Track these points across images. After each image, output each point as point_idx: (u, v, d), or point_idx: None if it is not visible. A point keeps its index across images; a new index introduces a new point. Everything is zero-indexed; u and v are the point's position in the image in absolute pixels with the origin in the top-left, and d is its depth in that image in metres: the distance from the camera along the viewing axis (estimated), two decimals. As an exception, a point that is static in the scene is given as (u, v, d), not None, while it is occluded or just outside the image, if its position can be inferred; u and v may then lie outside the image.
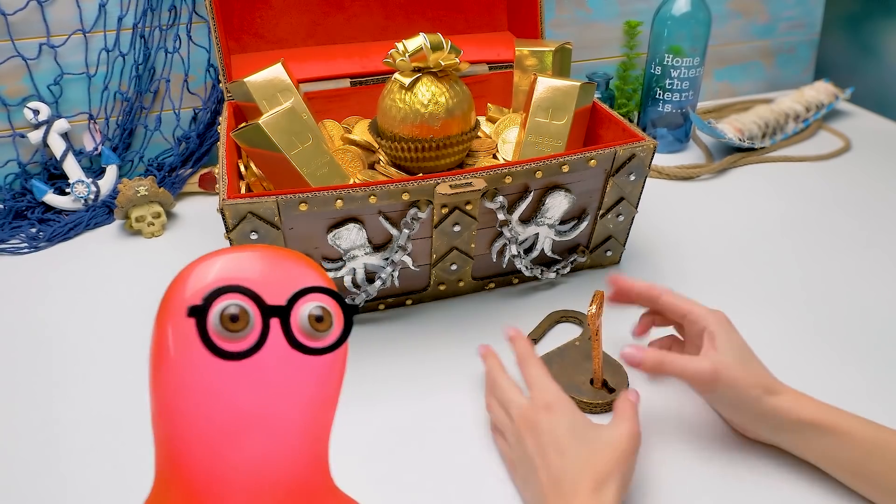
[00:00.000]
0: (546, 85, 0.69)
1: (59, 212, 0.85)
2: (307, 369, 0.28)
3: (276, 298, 0.27)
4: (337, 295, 0.29)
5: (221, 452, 0.28)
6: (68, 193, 0.85)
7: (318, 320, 0.28)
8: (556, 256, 0.69)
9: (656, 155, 0.98)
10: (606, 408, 0.55)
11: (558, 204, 0.64)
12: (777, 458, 0.50)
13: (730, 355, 0.49)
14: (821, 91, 1.07)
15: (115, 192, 0.85)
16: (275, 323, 0.27)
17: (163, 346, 0.28)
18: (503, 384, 0.50)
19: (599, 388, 0.56)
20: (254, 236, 0.56)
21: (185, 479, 0.28)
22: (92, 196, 0.85)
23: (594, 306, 0.53)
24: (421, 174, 0.68)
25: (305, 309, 0.28)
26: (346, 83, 0.84)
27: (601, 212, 0.67)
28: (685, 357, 0.49)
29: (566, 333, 0.64)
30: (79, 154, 0.87)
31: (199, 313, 0.26)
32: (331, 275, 0.61)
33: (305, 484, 0.31)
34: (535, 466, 0.45)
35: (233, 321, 0.26)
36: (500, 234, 0.64)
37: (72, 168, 0.85)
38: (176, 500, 0.29)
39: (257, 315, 0.27)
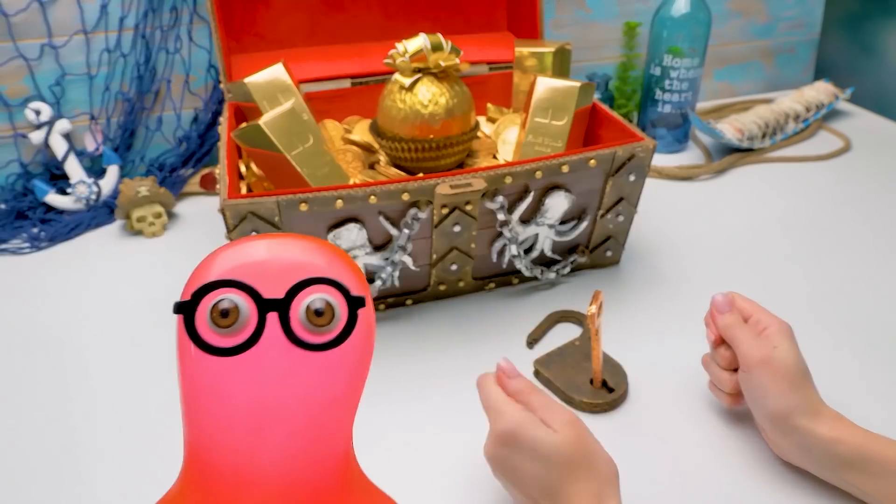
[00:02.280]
0: (546, 85, 0.69)
1: (61, 212, 0.85)
2: (311, 365, 0.27)
3: (275, 291, 0.26)
4: (341, 286, 0.27)
5: (227, 446, 0.27)
6: (70, 194, 0.85)
7: (318, 314, 0.26)
8: (556, 256, 0.69)
9: (656, 155, 0.98)
10: (606, 408, 0.55)
11: (558, 204, 0.64)
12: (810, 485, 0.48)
13: (787, 359, 0.47)
14: (821, 91, 1.07)
15: (116, 193, 0.85)
16: (272, 317, 0.26)
17: (177, 337, 0.27)
18: (489, 400, 0.46)
19: (599, 388, 0.56)
20: (254, 236, 0.56)
21: (198, 471, 0.28)
22: (93, 196, 0.85)
23: (594, 306, 0.53)
24: (421, 174, 0.68)
25: (306, 302, 0.27)
26: (346, 83, 0.84)
27: (601, 212, 0.67)
28: (750, 334, 0.49)
29: (566, 333, 0.64)
30: (80, 154, 0.88)
31: (185, 310, 0.25)
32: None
33: (317, 479, 0.29)
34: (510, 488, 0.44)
35: (223, 316, 0.26)
36: (500, 234, 0.64)
37: (73, 168, 0.86)
38: (191, 492, 0.29)
39: (253, 309, 0.26)
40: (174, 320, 0.28)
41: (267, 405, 0.27)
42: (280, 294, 0.26)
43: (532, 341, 0.62)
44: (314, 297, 0.27)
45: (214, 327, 0.26)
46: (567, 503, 0.40)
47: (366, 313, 0.28)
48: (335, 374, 0.28)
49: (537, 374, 0.58)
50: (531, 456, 0.41)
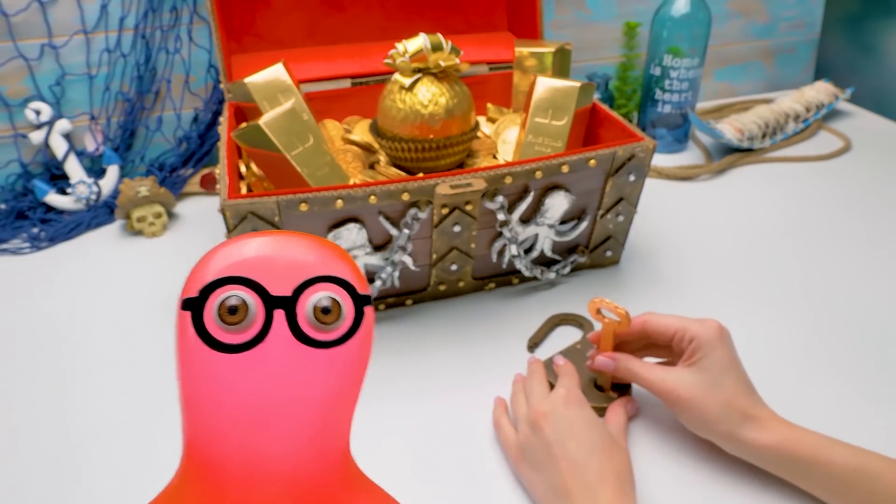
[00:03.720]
0: (546, 85, 0.69)
1: (61, 212, 0.85)
2: (317, 362, 0.27)
3: (282, 288, 0.26)
4: (347, 285, 0.27)
5: (231, 443, 0.27)
6: (70, 194, 0.85)
7: (325, 312, 0.27)
8: (556, 256, 0.69)
9: (656, 155, 0.98)
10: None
11: (558, 204, 0.64)
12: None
13: (704, 376, 0.48)
14: (821, 91, 1.07)
15: (116, 193, 0.85)
16: (279, 314, 0.26)
17: (177, 331, 0.27)
18: (536, 378, 0.53)
19: (607, 392, 0.56)
20: (254, 236, 0.56)
21: (198, 467, 0.28)
22: (93, 196, 0.85)
23: (612, 313, 0.52)
24: (421, 174, 0.68)
25: (313, 300, 0.27)
26: (346, 83, 0.84)
27: (601, 212, 0.67)
28: (653, 371, 0.50)
29: (567, 336, 0.64)
30: (80, 154, 0.88)
31: (194, 306, 0.25)
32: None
33: (321, 476, 0.30)
34: (553, 455, 0.45)
35: (231, 313, 0.25)
36: (500, 234, 0.64)
37: (73, 168, 0.86)
38: (193, 488, 0.28)
39: (260, 306, 0.26)
40: (174, 318, 0.28)
41: (272, 401, 0.27)
42: (287, 291, 0.26)
43: (533, 345, 0.62)
44: (321, 294, 0.27)
45: (222, 324, 0.26)
46: (598, 481, 0.43)
47: (369, 310, 0.28)
48: (340, 370, 0.28)
49: None
50: (582, 427, 0.46)
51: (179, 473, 0.29)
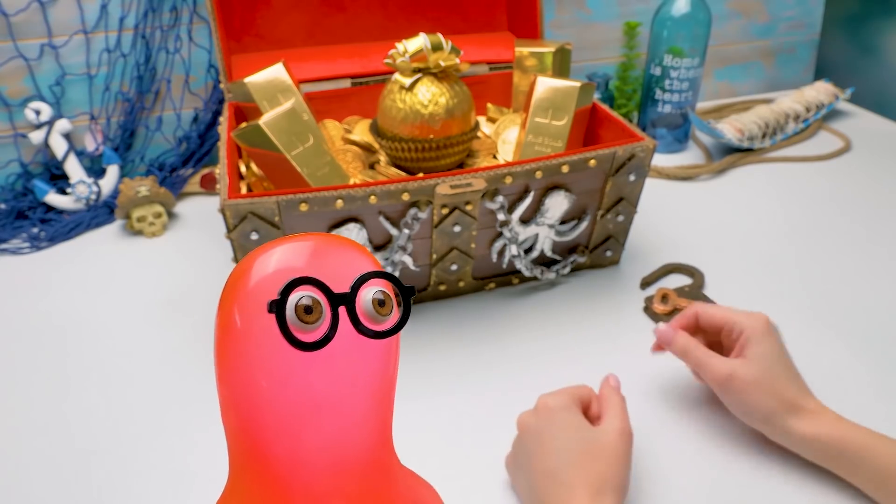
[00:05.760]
0: (546, 85, 0.69)
1: (61, 212, 0.85)
2: (372, 352, 0.30)
3: (341, 286, 0.28)
4: (394, 279, 0.29)
5: (298, 436, 0.29)
6: (70, 194, 0.85)
7: (381, 304, 0.28)
8: (556, 256, 0.69)
9: (656, 155, 0.98)
10: None
11: (558, 204, 0.64)
12: (791, 461, 0.50)
13: (756, 366, 0.48)
14: (821, 91, 1.07)
15: (116, 193, 0.85)
16: (342, 310, 0.28)
17: (232, 337, 0.28)
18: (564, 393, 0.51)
19: None
20: (254, 236, 0.56)
21: (262, 466, 0.29)
22: (93, 196, 0.85)
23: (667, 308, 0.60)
24: (421, 174, 0.68)
25: (367, 294, 0.28)
26: (346, 83, 0.84)
27: (601, 212, 0.67)
28: (709, 354, 0.51)
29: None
30: (80, 154, 0.88)
31: (278, 307, 0.26)
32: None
33: (377, 461, 0.32)
34: (532, 465, 0.45)
35: (307, 312, 0.27)
36: (500, 234, 0.64)
37: (73, 168, 0.86)
38: (254, 487, 0.30)
39: (326, 304, 0.27)
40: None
41: (339, 393, 0.29)
42: (346, 288, 0.28)
43: (645, 284, 0.70)
44: (374, 288, 0.29)
45: (299, 323, 0.27)
46: (570, 485, 0.43)
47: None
48: (391, 358, 0.31)
49: (646, 309, 0.66)
50: (560, 436, 0.45)
51: (232, 477, 0.31)
